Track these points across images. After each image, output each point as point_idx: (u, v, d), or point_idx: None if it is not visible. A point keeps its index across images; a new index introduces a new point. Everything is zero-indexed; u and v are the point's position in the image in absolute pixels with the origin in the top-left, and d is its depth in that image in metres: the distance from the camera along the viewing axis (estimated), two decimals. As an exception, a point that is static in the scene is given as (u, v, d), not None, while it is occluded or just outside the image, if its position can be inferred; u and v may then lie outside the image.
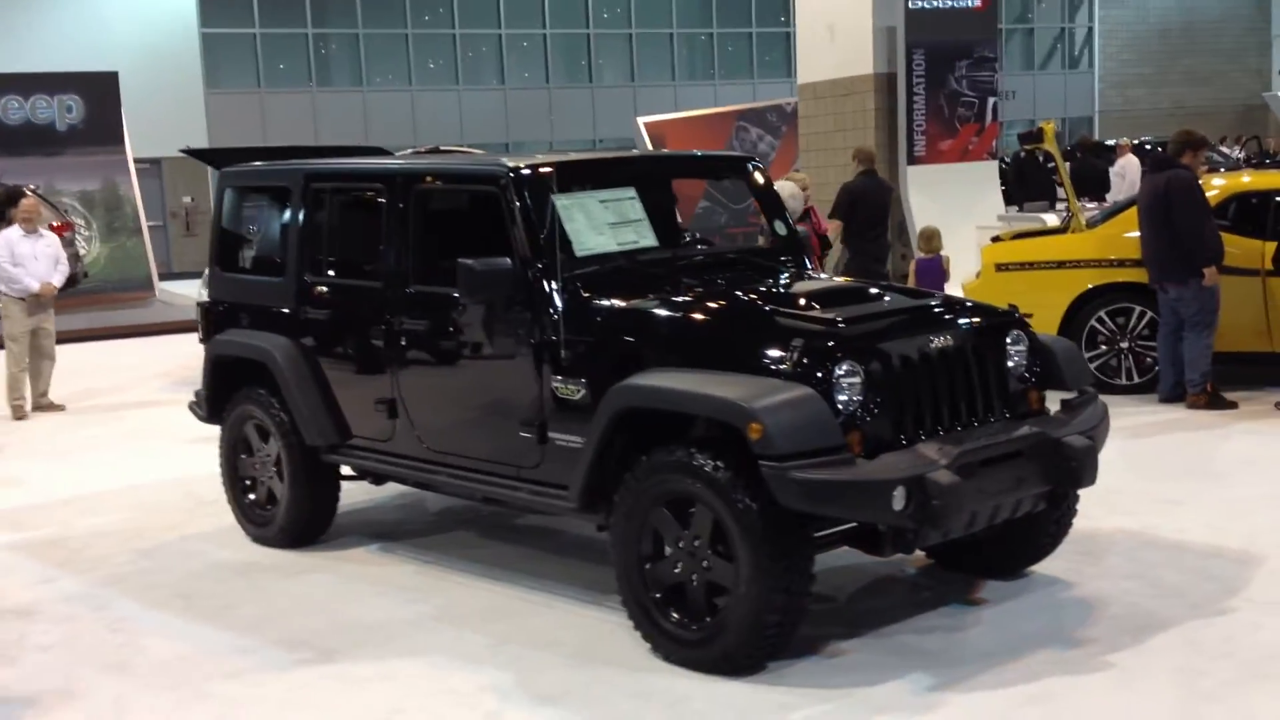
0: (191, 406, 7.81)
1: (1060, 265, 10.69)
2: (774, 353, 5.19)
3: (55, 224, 18.74)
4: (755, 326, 5.52)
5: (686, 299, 5.83)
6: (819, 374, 5.11)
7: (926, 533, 5.08)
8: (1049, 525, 6.04)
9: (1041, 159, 18.12)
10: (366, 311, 6.68)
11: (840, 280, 6.40)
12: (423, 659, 5.59)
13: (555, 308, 5.80)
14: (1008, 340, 5.76)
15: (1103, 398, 9.91)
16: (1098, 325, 10.55)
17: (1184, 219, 9.53)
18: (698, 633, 5.29)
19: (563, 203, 6.05)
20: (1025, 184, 18.05)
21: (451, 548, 7.13)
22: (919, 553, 6.05)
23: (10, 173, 20.60)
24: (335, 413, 6.91)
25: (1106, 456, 8.52)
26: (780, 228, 6.87)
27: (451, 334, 6.31)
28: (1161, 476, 8.03)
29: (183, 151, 8.55)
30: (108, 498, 8.75)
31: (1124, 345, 10.52)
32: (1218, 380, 9.94)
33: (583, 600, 6.18)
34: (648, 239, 6.26)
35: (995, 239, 12.01)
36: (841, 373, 5.14)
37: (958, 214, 16.50)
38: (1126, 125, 37.40)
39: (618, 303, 5.82)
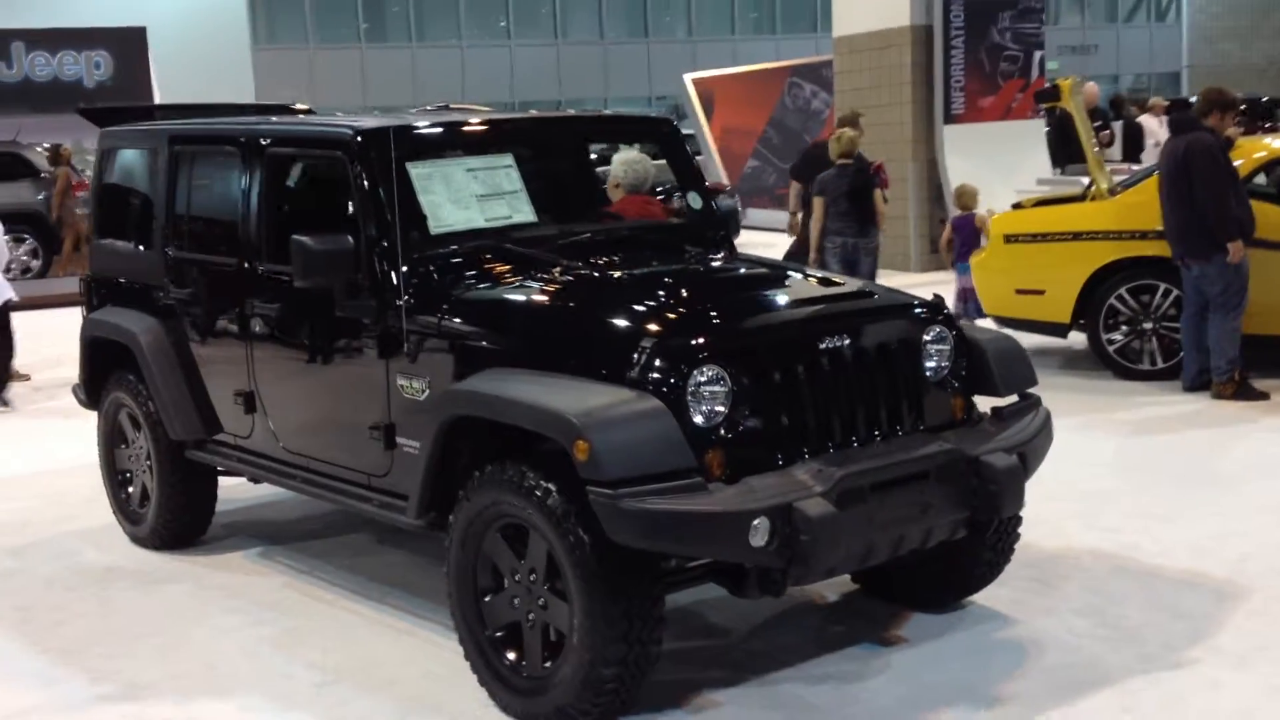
0: (74, 390, 7.11)
1: (1076, 237, 9.67)
2: (623, 355, 4.33)
3: (75, 182, 18.30)
4: (608, 322, 4.67)
5: (544, 287, 4.98)
6: (672, 381, 4.25)
7: (797, 572, 4.21)
8: (983, 553, 5.13)
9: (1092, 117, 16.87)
10: (223, 292, 5.93)
11: (746, 265, 5.48)
12: (234, 701, 4.84)
13: (399, 295, 4.98)
14: (927, 338, 4.84)
15: (1122, 384, 9.13)
16: (1118, 304, 9.53)
17: (1205, 188, 8.49)
18: (529, 681, 4.48)
19: (419, 171, 5.23)
20: (1068, 145, 16.82)
21: (338, 554, 6.37)
22: (845, 577, 5.20)
23: (39, 130, 20.17)
24: (202, 404, 6.16)
25: (1103, 458, 7.63)
26: (696, 200, 5.98)
27: (302, 321, 5.52)
28: (1157, 483, 7.06)
29: (76, 111, 7.81)
30: (14, 484, 8.12)
31: (1147, 326, 9.50)
32: (1249, 367, 8.89)
33: (449, 627, 5.36)
34: (523, 214, 5.41)
35: (1016, 206, 10.97)
36: (702, 380, 4.28)
37: (998, 177, 15.32)
38: (1216, 81, 35.69)
39: (468, 290, 4.98)
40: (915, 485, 4.48)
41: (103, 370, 6.72)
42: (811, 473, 4.30)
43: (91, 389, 6.84)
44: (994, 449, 4.66)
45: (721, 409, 4.31)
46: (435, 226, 5.17)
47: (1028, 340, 10.68)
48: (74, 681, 5.08)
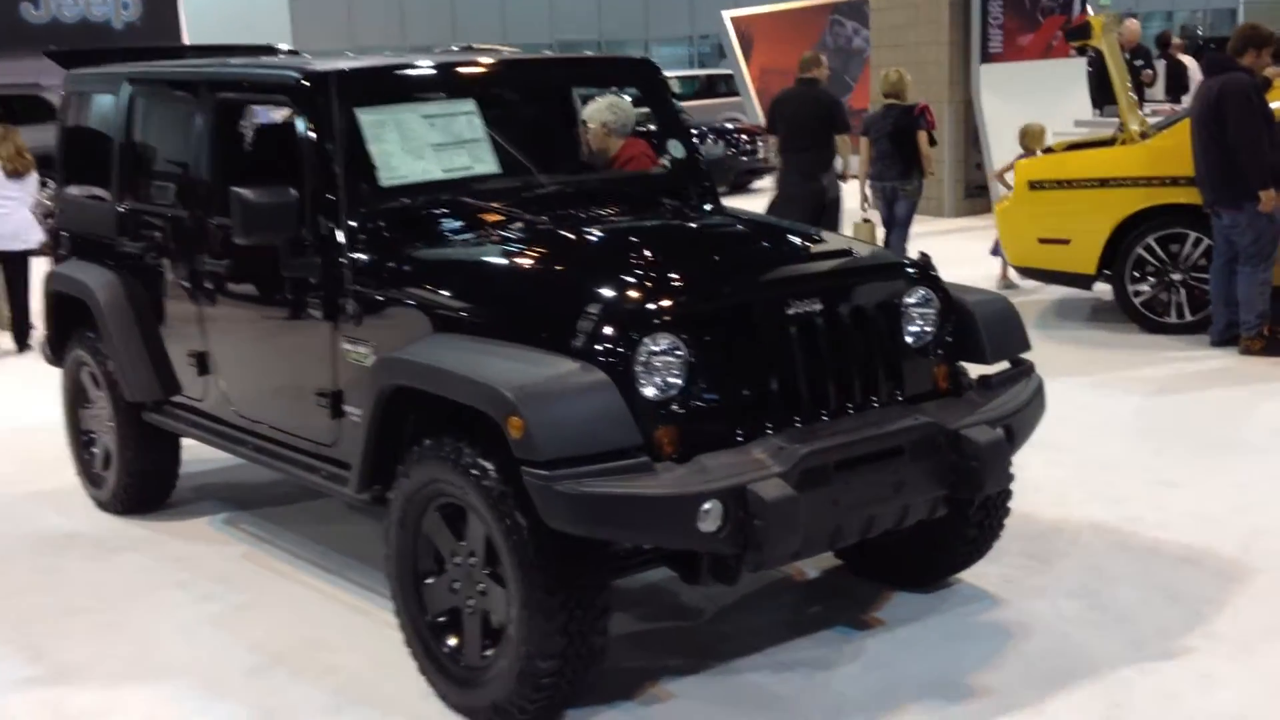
0: (41, 346, 6.85)
1: (1104, 183, 9.21)
2: (568, 322, 3.99)
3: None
4: (555, 286, 4.33)
5: (497, 245, 4.65)
6: (621, 351, 3.91)
7: (752, 559, 3.87)
8: (967, 530, 4.78)
9: (1128, 56, 16.26)
10: (175, 247, 5.63)
11: (721, 220, 5.11)
12: (160, 688, 4.58)
13: (344, 253, 4.66)
14: (909, 300, 4.47)
15: (1147, 338, 8.69)
16: (1146, 254, 9.09)
17: (1238, 132, 8.02)
18: (467, 671, 4.18)
19: (370, 118, 4.89)
20: (1106, 85, 16.21)
21: (304, 522, 6.09)
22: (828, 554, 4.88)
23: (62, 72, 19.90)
24: (160, 365, 5.87)
25: (1119, 418, 7.22)
26: (677, 149, 5.61)
27: (251, 279, 5.22)
28: (1171, 447, 6.66)
29: (44, 53, 7.49)
30: (-7, 441, 7.90)
31: (1175, 278, 9.06)
32: (1278, 322, 8.43)
33: (404, 603, 5.08)
34: (485, 164, 5.06)
35: (1047, 150, 10.50)
36: (654, 350, 3.94)
37: (1038, 119, 14.81)
38: (1275, 18, 34.66)
39: (418, 248, 4.65)
40: (888, 462, 4.14)
41: (67, 326, 6.44)
42: (771, 451, 3.96)
43: (56, 346, 6.57)
44: (977, 422, 4.30)
45: (676, 381, 3.97)
46: (386, 178, 4.84)
47: (1052, 292, 10.37)
48: (7, 662, 4.83)
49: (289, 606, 5.17)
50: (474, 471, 3.95)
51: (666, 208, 5.25)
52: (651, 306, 4.03)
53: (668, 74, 27.83)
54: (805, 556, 4.19)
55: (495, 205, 4.89)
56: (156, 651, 4.86)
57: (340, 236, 4.67)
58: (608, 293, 4.09)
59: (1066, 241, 9.34)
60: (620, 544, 4.03)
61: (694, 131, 15.45)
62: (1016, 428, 4.43)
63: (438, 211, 4.84)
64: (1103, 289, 9.58)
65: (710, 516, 3.77)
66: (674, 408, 3.95)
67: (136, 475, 6.19)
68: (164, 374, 5.86)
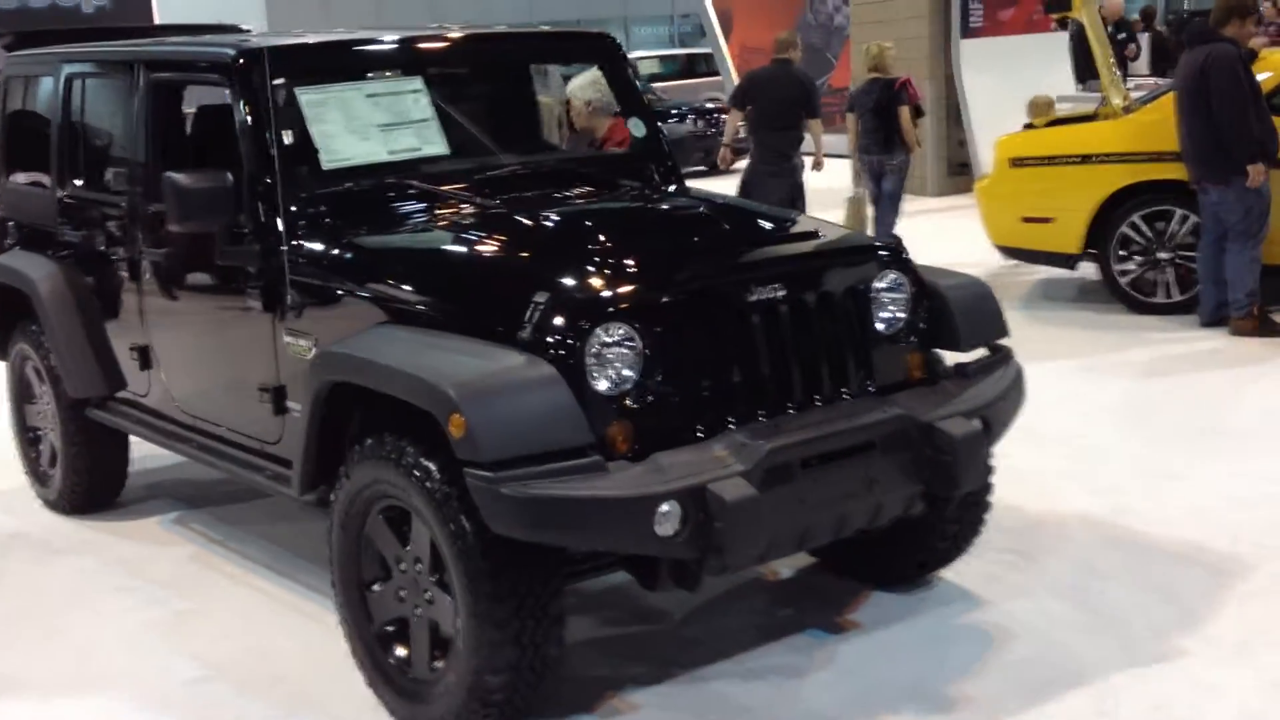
0: (-13, 340, 6.56)
1: (1086, 160, 8.95)
2: (515, 311, 3.73)
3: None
4: (502, 274, 4.08)
5: (444, 231, 4.39)
6: (570, 342, 3.65)
7: (714, 564, 3.62)
8: (946, 527, 4.54)
9: (1111, 29, 15.99)
10: (114, 235, 5.36)
11: (682, 203, 4.84)
12: (100, 699, 4.35)
13: (283, 240, 4.39)
14: (879, 285, 4.22)
15: (1134, 319, 8.44)
16: (1131, 232, 8.83)
17: (1224, 105, 7.77)
18: (414, 685, 3.93)
19: (311, 97, 4.62)
20: (1088, 58, 15.94)
21: (258, 521, 5.83)
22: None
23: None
24: (104, 359, 5.60)
25: (1107, 404, 6.96)
26: (639, 127, 5.34)
27: (191, 269, 4.95)
28: (1162, 434, 6.42)
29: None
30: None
31: (1163, 256, 8.81)
32: (1268, 301, 8.20)
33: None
34: (434, 145, 4.79)
35: (1027, 126, 10.23)
36: (606, 341, 3.69)
37: (1021, 95, 14.52)
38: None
39: (360, 235, 4.39)
40: (858, 458, 3.89)
41: (10, 319, 6.16)
42: (733, 447, 3.71)
43: (1, 339, 6.29)
44: (952, 413, 4.05)
45: (630, 374, 3.72)
46: (328, 161, 4.57)
47: (1036, 273, 10.12)
48: (-63, 675, 4.57)
49: (236, 612, 4.91)
50: (416, 473, 3.69)
51: (626, 189, 4.99)
52: (603, 294, 3.78)
53: (647, 54, 27.71)
54: (772, 559, 3.95)
55: (444, 189, 4.63)
56: (95, 661, 4.61)
57: (279, 223, 4.40)
58: (557, 280, 3.83)
59: (1050, 220, 9.10)
60: (573, 549, 3.76)
61: (674, 111, 15.18)
62: (994, 418, 4.18)
63: (383, 196, 4.57)
64: (1088, 269, 9.33)
65: (667, 519, 3.52)
66: (628, 402, 3.70)
67: (83, 474, 5.93)
68: (108, 368, 5.59)
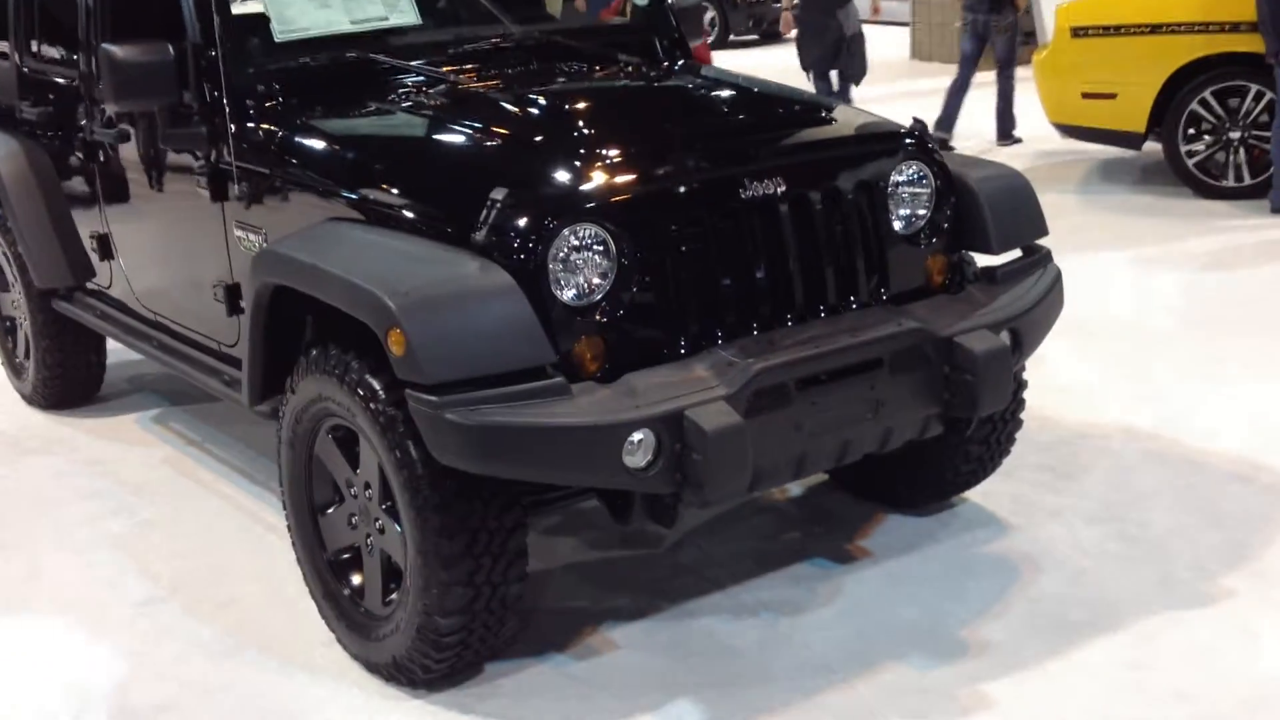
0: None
1: (1154, 30, 8.28)
2: (470, 210, 3.26)
3: None
4: (459, 165, 3.61)
5: (403, 114, 3.91)
6: (531, 246, 3.19)
7: (693, 497, 3.19)
8: (970, 448, 4.08)
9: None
10: (71, 113, 4.92)
11: (680, 82, 4.32)
12: (43, 620, 4.03)
13: (231, 122, 3.94)
14: (898, 179, 3.71)
15: (1200, 204, 7.84)
16: (1200, 110, 8.19)
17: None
18: (368, 619, 3.56)
19: (264, -41, 4.12)
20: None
21: (240, 421, 5.42)
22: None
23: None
24: (71, 247, 5.20)
25: (1163, 299, 6.40)
26: (641, -6, 4.80)
27: (141, 151, 4.51)
28: (1222, 335, 5.88)
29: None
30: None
31: (1233, 136, 8.17)
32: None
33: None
34: (404, 14, 4.29)
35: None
36: (573, 244, 3.23)
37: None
38: None
39: (314, 117, 3.93)
40: (864, 377, 3.42)
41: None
42: (717, 367, 3.26)
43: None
44: (975, 326, 3.56)
45: (601, 282, 3.26)
46: (281, 31, 4.10)
47: (1095, 153, 9.48)
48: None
49: (201, 524, 4.56)
50: (360, 391, 3.27)
51: (622, 66, 4.47)
52: (572, 191, 3.32)
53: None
54: (764, 489, 3.51)
55: (413, 65, 4.13)
56: (45, 576, 4.29)
57: (225, 103, 3.94)
58: (519, 174, 3.37)
59: (1113, 96, 8.46)
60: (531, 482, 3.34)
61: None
62: (1025, 331, 3.69)
63: (343, 72, 4.10)
64: (1153, 149, 8.69)
65: (639, 449, 3.09)
66: (598, 315, 3.25)
67: (56, 369, 5.58)
68: (74, 258, 5.20)
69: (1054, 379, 5.32)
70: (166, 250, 4.55)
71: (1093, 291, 6.39)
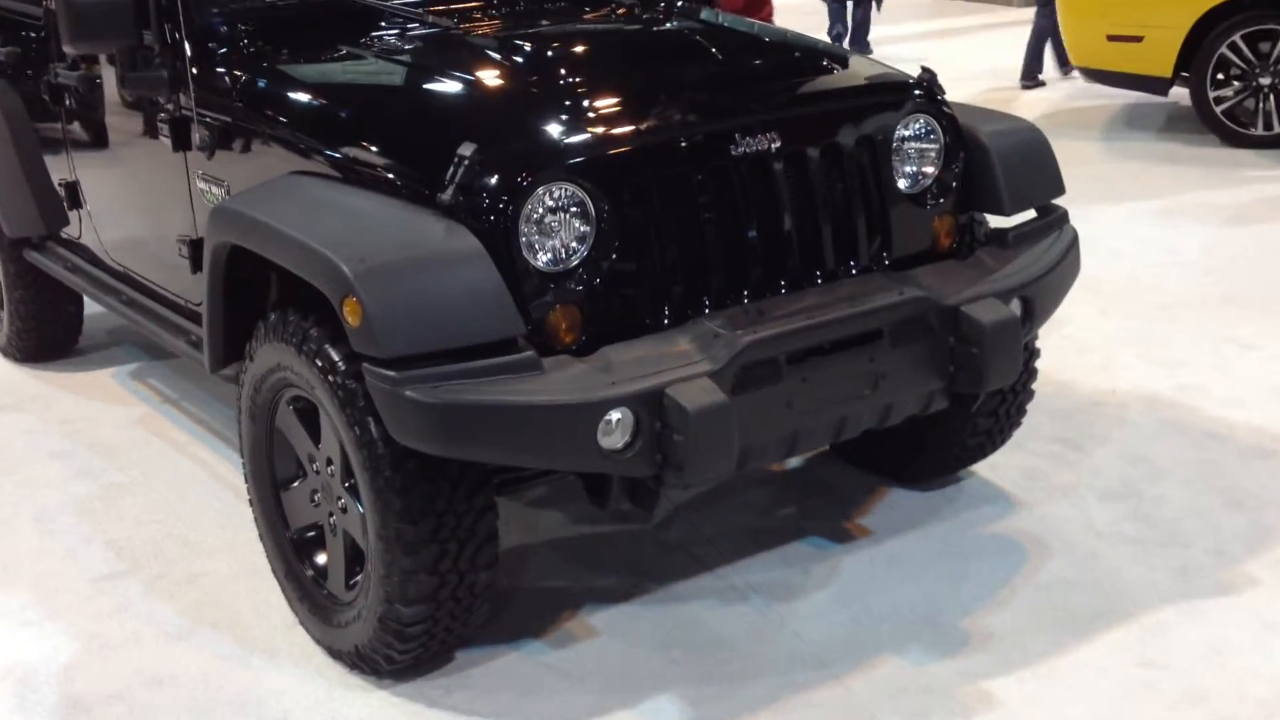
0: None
1: (1182, -30, 7.93)
2: (436, 166, 3.01)
3: None
4: (426, 117, 3.35)
5: (374, 59, 3.65)
6: (501, 206, 2.94)
7: (675, 479, 2.95)
8: (977, 422, 3.84)
9: None
10: (40, 53, 4.67)
11: (678, 27, 4.04)
12: (-11, 597, 3.79)
13: (192, 65, 3.69)
14: (904, 133, 3.45)
15: (1228, 153, 7.54)
16: (1230, 54, 7.87)
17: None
18: (331, 603, 3.35)
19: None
20: None
21: (219, 380, 5.19)
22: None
23: None
24: (43, 194, 4.96)
25: (1186, 255, 6.10)
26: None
27: (105, 96, 4.26)
28: (1248, 295, 5.62)
29: None
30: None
31: (1264, 82, 7.86)
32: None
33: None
34: (382, -49, 4.01)
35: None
36: (549, 205, 2.98)
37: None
38: None
39: (282, 60, 3.67)
40: (862, 350, 3.18)
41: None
42: (702, 339, 3.01)
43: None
44: (983, 294, 3.31)
45: (577, 246, 3.01)
46: (249, -34, 3.83)
47: (1120, 98, 9.14)
48: None
49: (170, 489, 4.35)
50: (319, 362, 3.04)
51: (614, 8, 4.20)
52: (546, 145, 3.08)
53: None
54: (752, 468, 3.27)
55: (389, 5, 3.88)
56: (5, 547, 4.07)
57: (186, 45, 3.68)
58: (489, 127, 3.11)
59: (1139, 39, 8.13)
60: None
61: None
62: (1037, 299, 3.44)
63: (314, 12, 3.84)
64: (1180, 94, 8.37)
65: (616, 430, 2.86)
66: (574, 283, 3.00)
67: (30, 320, 5.36)
68: (47, 205, 4.95)
69: (1070, 340, 5.07)
70: (132, 200, 4.32)
71: (1113, 246, 6.12)
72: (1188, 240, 6.33)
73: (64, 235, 4.91)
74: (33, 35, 4.73)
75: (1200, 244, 6.27)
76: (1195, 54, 7.92)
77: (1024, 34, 10.06)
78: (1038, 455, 4.25)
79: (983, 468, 4.15)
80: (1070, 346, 5.03)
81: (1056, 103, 9.46)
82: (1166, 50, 7.96)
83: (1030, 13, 10.39)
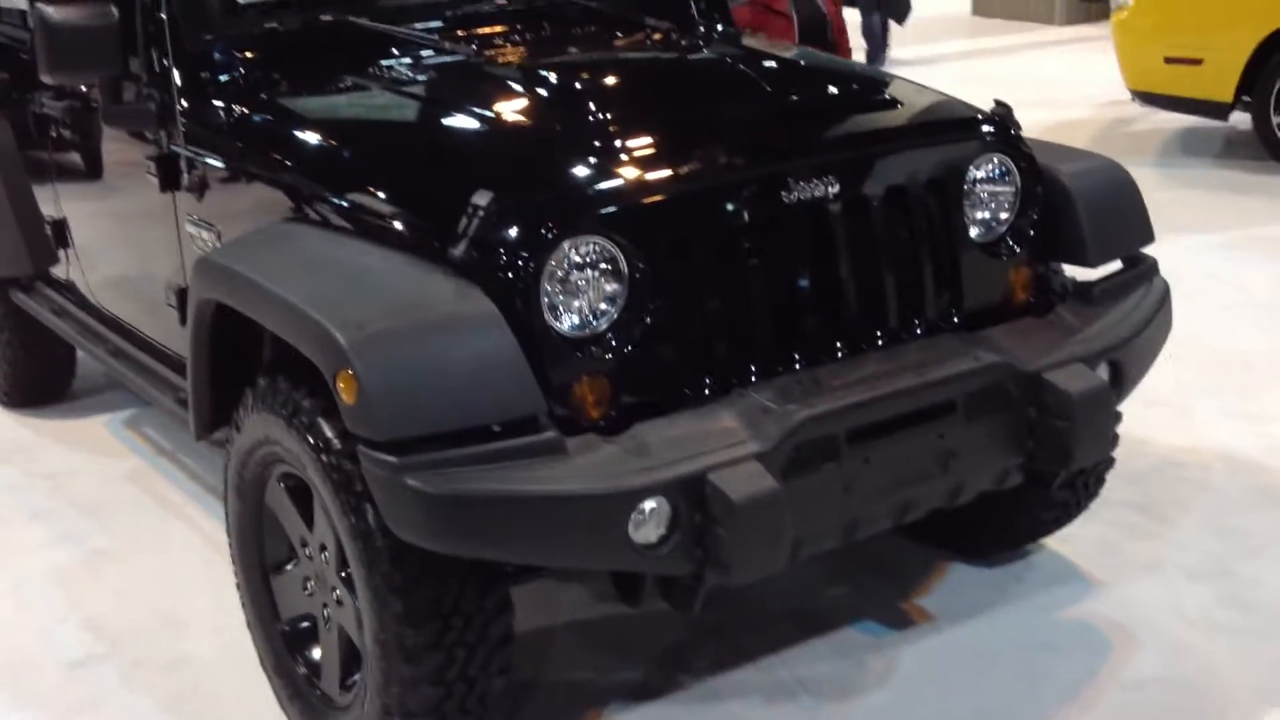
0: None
1: (1246, -12, 7.53)
2: (448, 216, 2.62)
3: None
4: (437, 160, 2.96)
5: (390, 91, 3.28)
6: (520, 264, 2.55)
7: (718, 578, 2.56)
8: (1054, 497, 3.43)
9: None
10: (27, 82, 4.31)
11: (717, 55, 3.65)
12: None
13: (181, 98, 3.32)
14: (977, 175, 3.05)
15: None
16: (1297, 77, 7.45)
17: None
18: (324, 705, 2.96)
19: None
20: None
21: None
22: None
23: None
24: (29, 231, 4.60)
25: (1259, 294, 5.70)
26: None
27: (91, 129, 3.91)
28: (1330, 341, 5.18)
29: None
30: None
31: (1333, 109, 7.43)
32: None
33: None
34: (393, -30, 3.65)
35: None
36: (574, 261, 2.58)
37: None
38: None
39: (280, 93, 3.30)
40: (932, 425, 2.78)
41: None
42: (750, 414, 2.62)
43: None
44: (1068, 358, 2.91)
45: (607, 308, 2.62)
46: (245, -10, 3.47)
47: (1175, 122, 8.72)
48: None
49: (157, 557, 3.99)
50: (310, 439, 2.65)
51: (648, 33, 3.81)
52: (575, 193, 2.67)
53: None
54: (803, 559, 2.85)
55: (400, 31, 3.50)
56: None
57: (176, 75, 3.31)
58: (508, 173, 2.73)
59: (1198, 61, 7.72)
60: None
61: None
62: (1127, 364, 3.03)
63: (316, 40, 3.47)
64: (1241, 119, 7.94)
65: (650, 521, 2.46)
66: (603, 350, 2.61)
67: (18, 364, 5.02)
68: (35, 243, 4.59)
69: (1139, 390, 4.63)
70: (120, 242, 3.96)
71: (1178, 285, 5.64)
72: (1258, 276, 5.91)
73: (53, 275, 4.55)
74: (25, 58, 4.38)
75: (1271, 282, 5.85)
76: (1258, 77, 7.50)
77: (1066, 54, 9.63)
78: (1113, 525, 3.84)
79: (1053, 540, 3.74)
80: (1139, 397, 4.57)
81: (1106, 126, 9.05)
82: (1228, 73, 7.56)
83: (1070, 31, 9.97)
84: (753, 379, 2.74)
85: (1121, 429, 3.58)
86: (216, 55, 3.38)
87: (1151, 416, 4.46)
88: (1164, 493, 4.03)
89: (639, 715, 3.12)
